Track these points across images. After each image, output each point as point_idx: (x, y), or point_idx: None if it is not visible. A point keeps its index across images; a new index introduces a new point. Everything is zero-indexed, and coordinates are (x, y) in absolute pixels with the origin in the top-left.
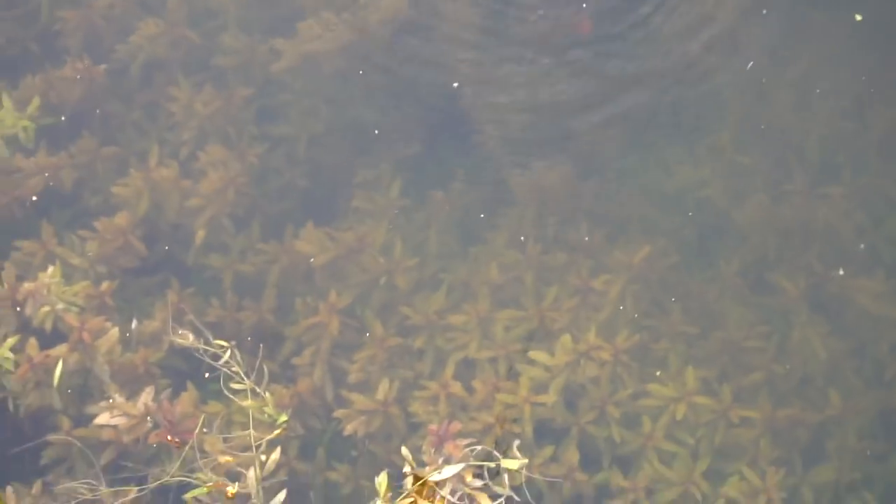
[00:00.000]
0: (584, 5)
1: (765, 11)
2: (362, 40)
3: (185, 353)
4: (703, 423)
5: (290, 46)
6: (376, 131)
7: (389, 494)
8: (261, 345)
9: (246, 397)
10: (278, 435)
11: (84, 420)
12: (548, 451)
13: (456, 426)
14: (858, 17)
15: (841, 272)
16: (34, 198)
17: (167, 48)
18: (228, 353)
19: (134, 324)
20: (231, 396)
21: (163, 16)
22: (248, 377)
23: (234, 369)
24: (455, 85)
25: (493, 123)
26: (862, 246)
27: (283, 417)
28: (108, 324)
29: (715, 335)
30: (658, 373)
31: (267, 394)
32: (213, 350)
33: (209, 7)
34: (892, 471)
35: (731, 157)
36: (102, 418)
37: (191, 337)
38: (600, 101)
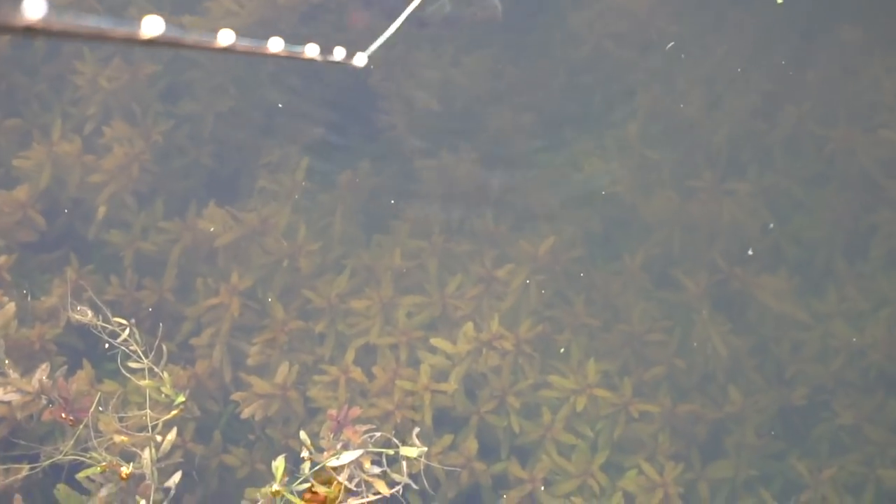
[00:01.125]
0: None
1: (677, 7)
2: (273, 18)
3: (82, 330)
4: (603, 416)
5: (200, 23)
6: (279, 105)
7: (286, 479)
8: (160, 324)
9: (143, 377)
10: (175, 416)
11: None
12: (447, 439)
13: (355, 412)
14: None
15: (750, 252)
16: None
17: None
18: (127, 331)
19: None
20: (128, 375)
21: None
22: (147, 356)
23: (132, 348)
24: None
25: (401, 108)
26: (750, 251)
27: (181, 398)
28: (5, 298)
29: (617, 328)
30: (559, 364)
31: (165, 374)
32: (111, 328)
33: None
34: (790, 468)
35: (639, 150)
36: None
37: (89, 314)
38: (509, 89)
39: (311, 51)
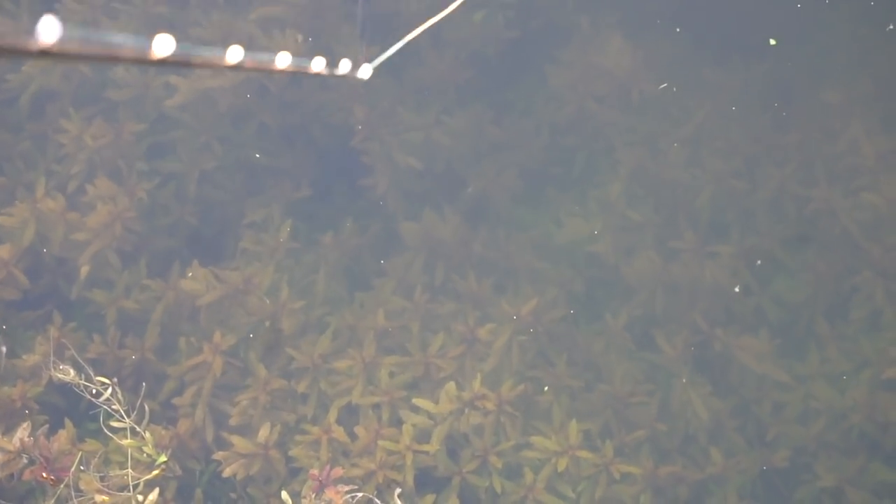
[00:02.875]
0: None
1: (658, 70)
2: (259, 79)
3: (64, 389)
4: (585, 477)
5: (186, 83)
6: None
7: None
8: (143, 383)
9: (125, 436)
10: (156, 475)
11: None
12: (429, 499)
13: (337, 472)
14: (773, 42)
15: (736, 289)
16: None
17: (59, 79)
18: (110, 390)
19: (3, 349)
20: (110, 435)
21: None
22: (129, 416)
23: (114, 407)
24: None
25: (384, 168)
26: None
27: (162, 458)
28: None
29: (599, 389)
30: (541, 425)
31: (147, 433)
32: (93, 387)
33: None
34: None
35: (621, 211)
36: None
37: (72, 372)
38: (492, 149)
39: (318, 65)
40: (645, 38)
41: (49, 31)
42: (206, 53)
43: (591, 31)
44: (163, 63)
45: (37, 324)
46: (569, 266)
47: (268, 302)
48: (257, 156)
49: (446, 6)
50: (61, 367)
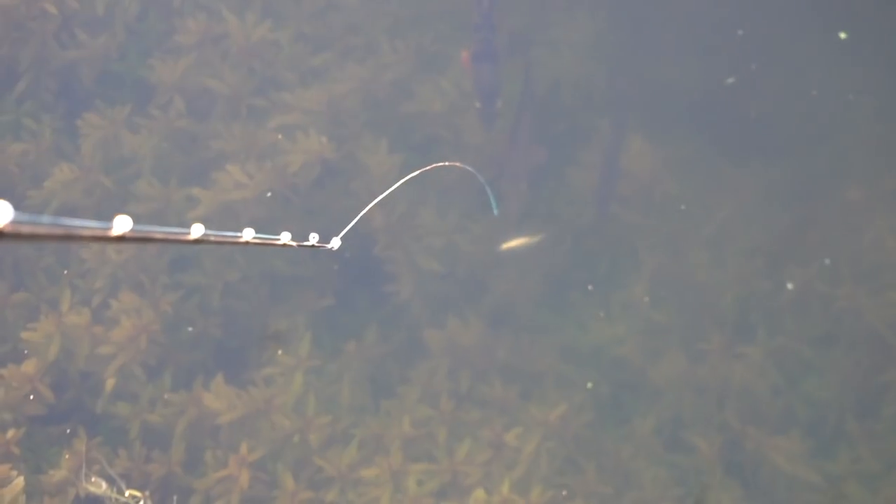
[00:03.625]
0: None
1: (679, 171)
2: (283, 186)
3: None
4: None
5: (208, 195)
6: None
7: None
8: (169, 497)
9: None
10: None
11: None
12: None
13: None
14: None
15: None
16: None
17: (81, 194)
18: (142, 503)
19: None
20: None
21: (77, 162)
22: None
23: None
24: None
25: (406, 274)
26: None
27: None
28: (13, 473)
29: (629, 495)
30: None
31: None
32: (123, 500)
33: (124, 154)
34: None
35: (645, 313)
36: None
37: (104, 485)
38: (514, 253)
39: (285, 237)
40: (665, 140)
41: (2, 215)
42: (166, 231)
43: (611, 133)
44: (123, 240)
45: (62, 439)
46: (595, 370)
47: (287, 422)
48: (280, 266)
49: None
50: (93, 479)
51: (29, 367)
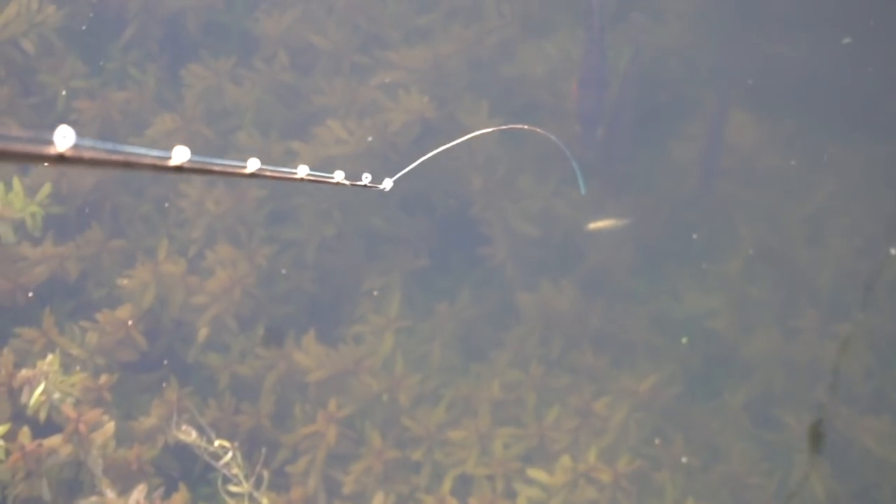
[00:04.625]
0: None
1: (782, 145)
2: (382, 146)
3: (179, 453)
4: None
5: (307, 149)
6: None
7: None
8: (262, 449)
9: (242, 501)
10: None
11: None
12: None
13: None
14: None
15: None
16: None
17: (182, 144)
18: (230, 454)
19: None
20: (226, 498)
21: (180, 111)
22: (247, 481)
23: (233, 471)
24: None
25: (502, 237)
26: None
27: None
28: (105, 417)
29: (716, 469)
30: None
31: (264, 500)
32: (212, 450)
33: (226, 106)
34: None
35: (741, 287)
36: None
37: (194, 434)
38: (619, 217)
39: (339, 176)
40: (769, 114)
41: (64, 139)
42: (223, 163)
43: (716, 105)
44: (180, 170)
45: (153, 387)
46: (687, 342)
47: (376, 381)
48: (377, 223)
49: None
50: (183, 428)
51: (123, 312)
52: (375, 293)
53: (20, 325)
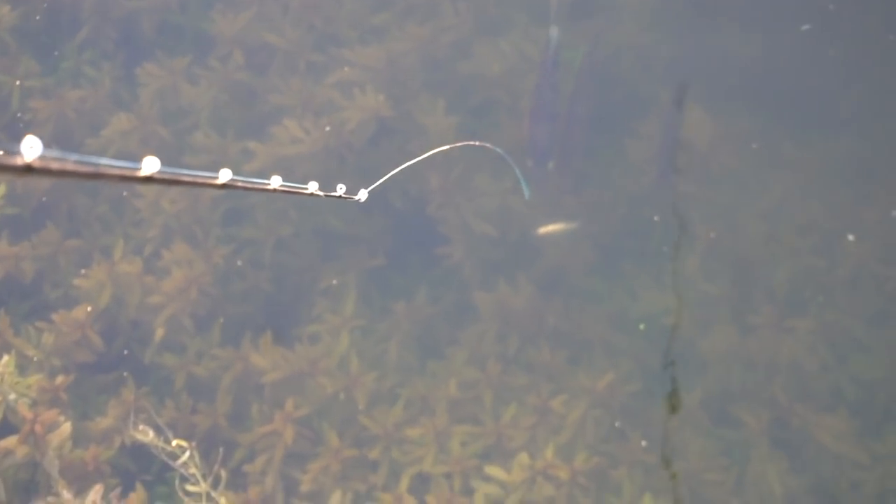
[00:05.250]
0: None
1: (737, 142)
2: (339, 144)
3: (135, 453)
4: None
5: (264, 149)
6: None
7: None
8: (214, 449)
9: (200, 500)
10: None
11: None
12: None
13: None
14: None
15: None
16: None
17: (138, 144)
18: (187, 453)
19: None
20: (184, 498)
21: (135, 111)
22: (205, 480)
23: (191, 471)
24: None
25: (459, 236)
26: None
27: None
28: (62, 418)
29: (675, 465)
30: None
31: (222, 500)
32: (169, 450)
33: (182, 106)
34: None
35: (698, 285)
36: None
37: (151, 433)
38: (567, 218)
39: (313, 187)
40: (725, 111)
41: (31, 150)
42: (193, 174)
43: (670, 104)
44: (150, 181)
45: (110, 387)
46: (644, 339)
47: (332, 381)
48: (334, 223)
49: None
50: (140, 427)
51: (79, 313)
52: (335, 282)
53: None
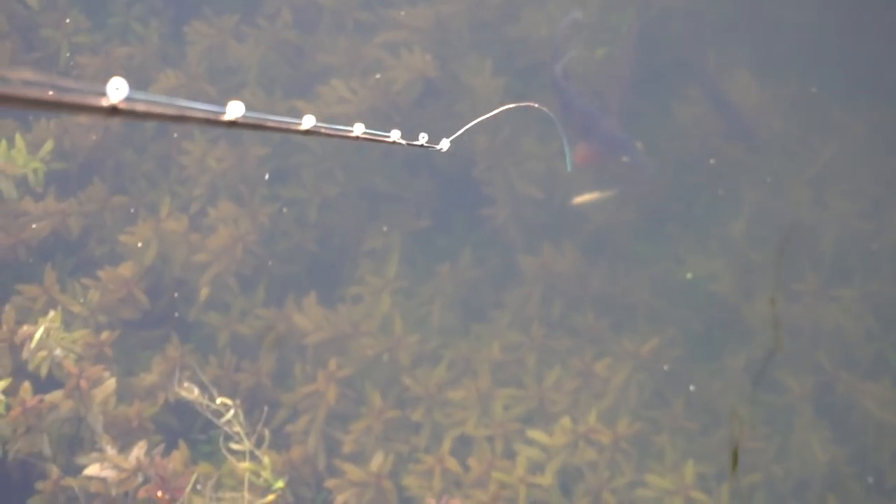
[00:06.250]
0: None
1: (785, 108)
2: (385, 105)
3: (179, 410)
4: None
5: (311, 108)
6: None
7: None
8: (264, 407)
9: (243, 458)
10: (271, 500)
11: (73, 470)
12: None
13: (454, 502)
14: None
15: None
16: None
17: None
18: (231, 412)
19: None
20: (227, 456)
21: (183, 68)
22: (248, 438)
23: (235, 429)
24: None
25: (505, 198)
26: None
27: (280, 483)
28: (107, 373)
29: (717, 433)
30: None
31: (265, 458)
32: (214, 408)
33: (230, 64)
34: None
35: (743, 251)
36: (92, 469)
37: (196, 391)
38: (613, 184)
39: (395, 135)
40: (772, 76)
41: (117, 91)
42: (278, 119)
43: (718, 68)
44: (234, 125)
45: (154, 344)
46: (688, 305)
47: (375, 342)
48: (380, 183)
49: None
50: (185, 385)
51: (125, 270)
52: (385, 229)
53: (22, 282)
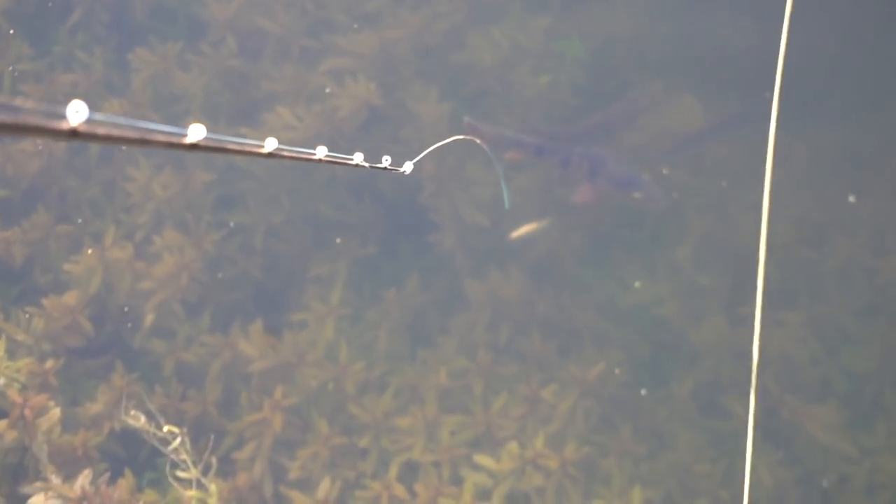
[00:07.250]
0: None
1: (731, 134)
2: (331, 132)
3: (124, 439)
4: None
5: (257, 135)
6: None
7: None
8: (210, 435)
9: (190, 486)
10: None
11: (18, 500)
12: None
13: None
14: None
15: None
16: None
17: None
18: (178, 439)
19: None
20: (174, 484)
21: (127, 96)
22: (195, 466)
23: (181, 457)
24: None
25: (451, 224)
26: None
27: None
28: (51, 402)
29: (663, 457)
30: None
31: (212, 485)
32: (160, 435)
33: (174, 91)
34: None
35: (689, 275)
36: (37, 499)
37: (143, 418)
38: (559, 208)
39: (358, 158)
40: (717, 102)
41: (77, 114)
42: (239, 142)
43: (663, 94)
44: (195, 148)
45: (99, 372)
46: (634, 329)
47: (320, 370)
48: (325, 210)
49: None
50: (132, 412)
51: (70, 298)
52: (339, 242)
53: None
